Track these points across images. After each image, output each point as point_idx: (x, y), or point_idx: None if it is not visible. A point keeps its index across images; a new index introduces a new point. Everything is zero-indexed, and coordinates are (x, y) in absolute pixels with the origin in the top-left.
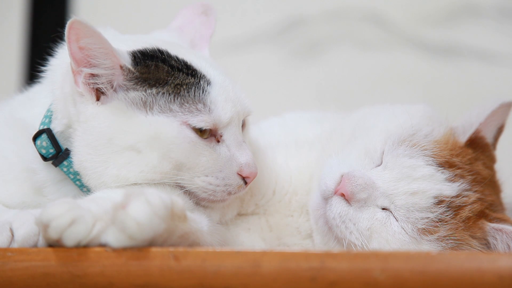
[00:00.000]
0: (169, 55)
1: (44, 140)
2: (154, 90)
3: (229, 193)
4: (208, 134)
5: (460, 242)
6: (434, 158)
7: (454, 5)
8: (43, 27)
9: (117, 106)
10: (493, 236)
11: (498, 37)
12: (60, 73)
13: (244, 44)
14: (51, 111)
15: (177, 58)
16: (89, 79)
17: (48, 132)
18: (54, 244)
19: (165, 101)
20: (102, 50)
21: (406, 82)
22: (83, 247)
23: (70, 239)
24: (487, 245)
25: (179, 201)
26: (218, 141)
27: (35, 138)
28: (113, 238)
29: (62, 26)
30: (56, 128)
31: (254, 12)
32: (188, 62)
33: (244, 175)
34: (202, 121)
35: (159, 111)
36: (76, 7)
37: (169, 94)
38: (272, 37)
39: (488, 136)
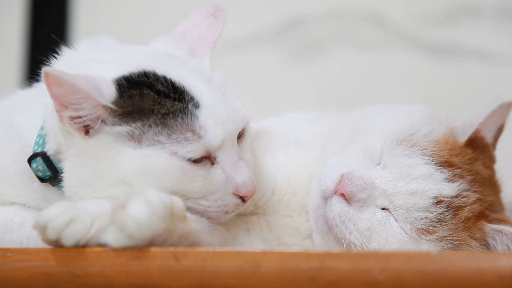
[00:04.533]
0: (156, 78)
1: (40, 164)
2: (139, 124)
3: (226, 212)
4: (202, 157)
5: (460, 243)
6: (433, 157)
7: (454, 5)
8: (43, 27)
9: (106, 140)
10: (492, 237)
11: (498, 37)
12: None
13: (244, 44)
14: (45, 129)
15: (164, 79)
16: (73, 120)
17: (43, 155)
18: (54, 246)
19: (152, 133)
20: (78, 95)
21: (406, 82)
22: (83, 247)
23: (68, 238)
24: (486, 246)
25: (179, 201)
26: (213, 164)
27: (30, 160)
28: (112, 237)
29: (62, 26)
30: (49, 151)
31: (254, 12)
32: (177, 83)
33: (240, 195)
34: (191, 152)
35: (147, 144)
36: (76, 7)
37: (156, 125)
38: (272, 37)
39: (488, 136)
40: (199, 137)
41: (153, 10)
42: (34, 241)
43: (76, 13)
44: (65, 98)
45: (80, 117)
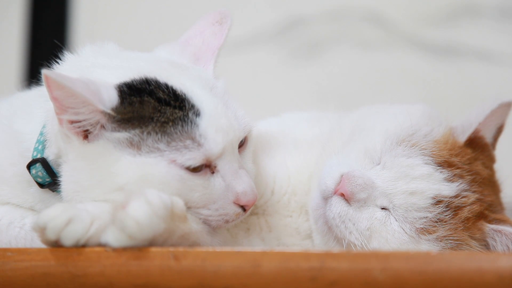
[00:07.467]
0: (157, 85)
1: (39, 170)
2: (138, 131)
3: (226, 221)
4: (202, 166)
5: (459, 243)
6: (432, 157)
7: (454, 5)
8: (43, 27)
9: (105, 146)
10: (492, 238)
11: (498, 37)
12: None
13: (244, 43)
14: (44, 135)
15: (166, 86)
16: (72, 124)
17: (42, 161)
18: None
19: (152, 140)
20: (77, 100)
21: (406, 82)
22: (82, 247)
23: (68, 238)
24: (486, 246)
25: (180, 201)
26: (213, 172)
27: (29, 165)
28: (112, 237)
29: (62, 26)
30: (49, 156)
31: (254, 12)
32: (178, 91)
33: (241, 204)
34: (190, 159)
35: (147, 151)
36: (76, 7)
37: (156, 133)
38: (272, 37)
39: (488, 136)
40: (199, 145)
41: (152, 10)
42: (22, 241)
43: (76, 13)
44: (64, 101)
45: (79, 121)
